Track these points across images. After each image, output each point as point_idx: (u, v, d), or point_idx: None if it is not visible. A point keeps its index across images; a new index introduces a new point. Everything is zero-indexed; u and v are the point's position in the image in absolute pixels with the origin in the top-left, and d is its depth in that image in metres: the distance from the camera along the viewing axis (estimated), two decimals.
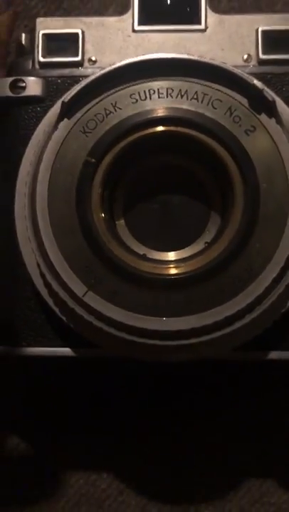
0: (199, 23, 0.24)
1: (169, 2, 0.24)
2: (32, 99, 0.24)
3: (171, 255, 0.22)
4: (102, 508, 0.33)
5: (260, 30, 0.23)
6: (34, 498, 0.33)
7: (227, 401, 0.32)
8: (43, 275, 0.22)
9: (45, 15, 0.35)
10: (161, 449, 0.33)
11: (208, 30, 0.24)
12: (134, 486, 0.33)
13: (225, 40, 0.24)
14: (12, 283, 0.23)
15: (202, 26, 0.24)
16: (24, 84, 0.24)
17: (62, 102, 0.21)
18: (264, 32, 0.23)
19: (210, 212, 0.23)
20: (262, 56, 0.24)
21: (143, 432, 0.33)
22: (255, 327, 0.22)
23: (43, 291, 0.22)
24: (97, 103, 0.21)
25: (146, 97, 0.21)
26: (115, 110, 0.21)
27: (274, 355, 0.23)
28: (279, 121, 0.21)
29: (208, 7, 0.24)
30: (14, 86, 0.24)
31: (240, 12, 0.35)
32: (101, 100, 0.21)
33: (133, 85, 0.21)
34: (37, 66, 0.24)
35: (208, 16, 0.24)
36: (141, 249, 0.22)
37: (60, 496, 0.33)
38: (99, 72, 0.21)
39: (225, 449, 0.32)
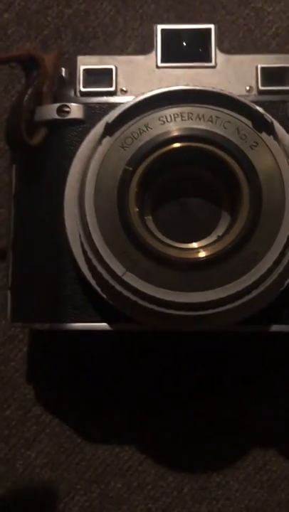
0: (210, 61, 0.30)
1: (185, 44, 0.30)
2: (75, 122, 0.29)
3: (191, 245, 0.28)
4: (125, 476, 0.37)
5: (259, 67, 0.29)
6: (64, 466, 0.38)
7: (236, 378, 0.36)
8: (88, 260, 0.27)
9: (75, 52, 0.41)
10: (176, 424, 0.36)
11: (217, 66, 0.30)
12: (152, 457, 0.37)
13: (231, 74, 0.30)
14: (60, 270, 0.28)
15: (212, 63, 0.30)
16: (68, 109, 0.29)
17: (107, 122, 0.27)
18: (262, 68, 0.29)
19: (221, 212, 0.28)
20: (261, 88, 0.29)
21: (159, 408, 0.36)
22: (260, 302, 0.27)
23: (88, 275, 0.27)
24: (133, 124, 0.27)
25: (171, 120, 0.27)
26: (147, 130, 0.27)
27: (275, 328, 0.28)
28: (276, 138, 0.27)
29: (217, 48, 0.30)
30: (60, 110, 0.29)
31: (240, 50, 0.41)
32: (136, 122, 0.27)
33: (161, 110, 0.27)
34: (78, 94, 0.30)
35: (217, 56, 0.30)
36: (165, 240, 0.27)
37: (88, 466, 0.38)
38: (135, 99, 0.27)
39: (233, 422, 0.36)
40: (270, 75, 0.29)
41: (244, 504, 0.36)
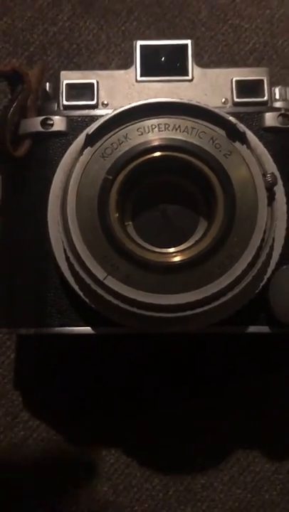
0: (187, 75, 0.32)
1: (163, 59, 0.32)
2: (58, 134, 0.30)
3: (169, 249, 0.29)
4: (111, 480, 0.38)
5: (234, 80, 0.31)
6: (51, 471, 0.38)
7: (218, 379, 0.37)
8: (71, 266, 0.28)
9: (60, 68, 0.43)
10: (161, 427, 0.37)
11: (194, 80, 0.32)
12: (138, 460, 0.38)
13: (207, 87, 0.31)
14: (44, 276, 0.30)
15: (189, 77, 0.31)
16: (52, 122, 0.31)
17: (87, 134, 0.28)
18: (237, 81, 0.31)
19: (198, 218, 0.29)
20: (236, 99, 0.31)
21: (143, 411, 0.37)
22: (235, 303, 0.28)
23: (71, 280, 0.29)
24: (112, 135, 0.28)
25: (149, 131, 0.29)
26: (126, 140, 0.28)
27: (252, 329, 0.29)
28: (249, 147, 0.29)
29: (193, 63, 0.32)
30: (44, 123, 0.31)
31: (218, 65, 0.42)
32: (115, 133, 0.28)
33: (139, 122, 0.28)
34: (61, 108, 0.31)
35: (194, 69, 0.32)
36: (145, 245, 0.29)
37: (75, 470, 0.38)
38: (114, 112, 0.28)
39: (216, 424, 0.38)
40: (244, 88, 0.31)
41: (228, 505, 0.37)
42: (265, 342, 0.33)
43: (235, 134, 0.28)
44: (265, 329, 0.30)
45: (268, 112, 0.30)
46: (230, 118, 0.28)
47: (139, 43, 0.32)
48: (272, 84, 0.30)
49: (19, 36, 0.41)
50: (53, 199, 0.29)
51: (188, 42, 0.31)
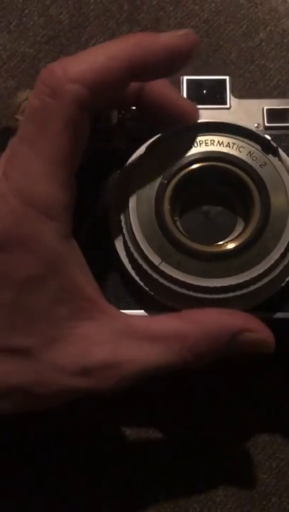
0: (225, 104, 0.38)
1: (205, 91, 0.38)
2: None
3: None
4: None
5: (265, 108, 0.37)
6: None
7: (245, 369, 0.41)
8: (130, 254, 0.34)
9: None
10: (180, 410, 0.41)
11: (231, 108, 0.38)
12: (164, 449, 0.41)
13: (242, 114, 0.38)
14: (104, 266, 0.35)
15: (228, 106, 0.38)
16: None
17: (147, 145, 0.35)
18: (268, 109, 0.37)
19: (237, 218, 0.36)
20: (267, 124, 0.37)
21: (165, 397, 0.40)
22: (270, 289, 0.34)
23: (128, 266, 0.35)
24: (167, 147, 0.35)
25: (198, 145, 0.35)
26: (179, 152, 0.35)
27: (280, 315, 0.35)
28: (280, 159, 0.35)
29: (231, 94, 0.38)
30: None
31: (247, 96, 0.47)
32: (170, 146, 0.35)
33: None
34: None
35: (231, 100, 0.38)
36: (192, 239, 0.35)
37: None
38: (169, 130, 0.35)
39: (243, 413, 0.42)
40: (273, 115, 0.37)
41: (255, 489, 0.41)
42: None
43: (268, 149, 0.35)
44: None
45: None
46: (266, 135, 0.35)
47: (185, 77, 0.38)
48: None
49: None
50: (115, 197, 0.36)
51: (227, 77, 0.38)
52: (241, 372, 0.41)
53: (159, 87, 0.36)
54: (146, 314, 0.35)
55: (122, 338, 0.31)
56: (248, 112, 0.38)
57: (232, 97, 0.38)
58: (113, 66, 0.30)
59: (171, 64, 0.32)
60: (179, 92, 0.38)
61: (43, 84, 0.30)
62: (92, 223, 0.36)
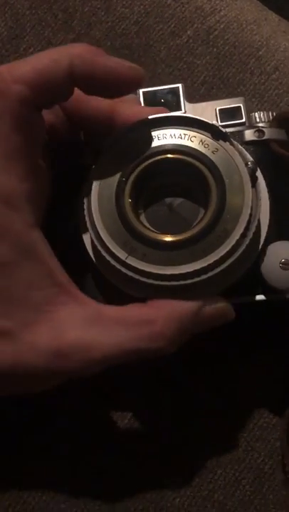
0: (181, 109, 0.43)
1: (161, 101, 0.42)
2: None
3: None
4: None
5: (217, 109, 0.42)
6: None
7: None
8: (98, 251, 0.36)
9: None
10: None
11: (186, 113, 0.42)
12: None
13: (197, 116, 0.41)
14: (76, 262, 0.38)
15: (183, 111, 0.42)
16: None
17: (103, 147, 0.38)
18: (220, 109, 0.42)
19: (199, 208, 0.38)
20: (220, 123, 0.41)
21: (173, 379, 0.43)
22: (234, 272, 0.36)
23: (97, 263, 0.37)
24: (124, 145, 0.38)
25: (152, 140, 0.38)
26: (134, 149, 0.38)
27: (246, 299, 0.38)
28: (231, 144, 0.38)
29: (185, 100, 0.43)
30: None
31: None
32: (127, 143, 0.38)
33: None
34: None
35: (185, 105, 0.43)
36: (156, 231, 0.37)
37: None
38: (124, 129, 0.38)
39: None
40: (225, 114, 0.42)
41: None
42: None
43: (218, 135, 0.38)
44: (261, 297, 0.38)
45: (246, 129, 0.41)
46: (214, 122, 0.38)
47: (141, 90, 0.42)
48: (249, 110, 0.42)
49: None
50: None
51: (180, 85, 0.43)
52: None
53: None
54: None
55: (93, 324, 0.34)
56: (202, 114, 0.42)
57: (186, 102, 0.43)
58: (55, 68, 0.34)
59: (111, 84, 0.35)
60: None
61: None
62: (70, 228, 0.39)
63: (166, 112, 0.40)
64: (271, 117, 0.42)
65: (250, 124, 0.42)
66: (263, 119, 0.42)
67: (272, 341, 0.43)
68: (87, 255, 0.38)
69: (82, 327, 0.34)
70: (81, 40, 0.51)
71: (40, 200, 0.36)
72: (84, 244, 0.38)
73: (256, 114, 0.42)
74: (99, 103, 0.38)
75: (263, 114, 0.42)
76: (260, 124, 0.41)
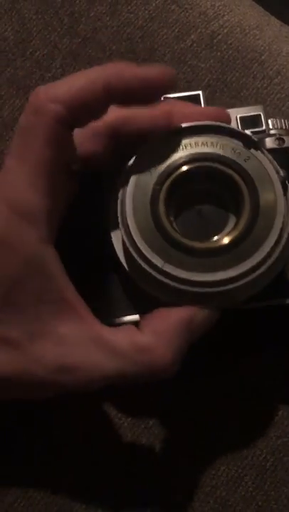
0: None
1: None
2: None
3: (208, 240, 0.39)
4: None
5: (238, 117, 0.42)
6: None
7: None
8: (132, 258, 0.36)
9: None
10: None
11: None
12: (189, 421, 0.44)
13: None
14: (104, 271, 0.39)
15: None
16: None
17: (136, 155, 0.38)
18: (241, 117, 0.42)
19: (228, 214, 0.38)
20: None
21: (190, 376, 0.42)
22: (267, 277, 0.37)
23: (130, 271, 0.37)
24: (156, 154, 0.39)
25: (184, 148, 0.38)
26: (167, 157, 0.38)
27: (276, 301, 0.39)
28: (263, 152, 0.39)
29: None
30: None
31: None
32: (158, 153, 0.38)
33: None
34: None
35: None
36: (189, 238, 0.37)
37: None
38: (155, 137, 0.38)
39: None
40: (246, 121, 0.42)
41: None
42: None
43: (250, 144, 0.38)
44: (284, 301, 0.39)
45: (267, 137, 0.41)
46: (246, 131, 0.39)
47: (162, 97, 0.40)
48: (267, 116, 0.42)
49: (20, 82, 0.51)
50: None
51: (200, 92, 0.43)
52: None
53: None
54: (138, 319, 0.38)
55: (95, 344, 0.35)
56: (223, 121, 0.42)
57: None
58: (91, 88, 0.35)
59: (147, 92, 0.36)
60: None
61: (29, 104, 0.35)
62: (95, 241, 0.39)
63: (225, 113, 0.40)
64: (284, 124, 0.43)
65: (268, 132, 0.42)
66: (276, 126, 0.42)
67: (276, 340, 0.44)
68: (119, 263, 0.38)
69: (86, 347, 0.35)
70: (86, 44, 0.53)
71: (56, 217, 0.36)
72: (115, 252, 0.38)
73: (269, 121, 0.42)
74: (152, 112, 0.38)
75: (277, 121, 0.42)
76: (274, 131, 0.42)
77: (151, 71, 0.36)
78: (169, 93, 0.38)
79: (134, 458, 0.44)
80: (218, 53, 0.51)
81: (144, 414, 0.44)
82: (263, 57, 0.52)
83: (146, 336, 0.36)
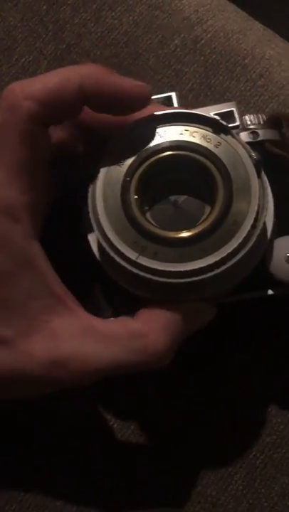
0: None
1: None
2: None
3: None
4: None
5: (212, 114, 0.42)
6: None
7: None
8: (105, 253, 0.36)
9: None
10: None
11: None
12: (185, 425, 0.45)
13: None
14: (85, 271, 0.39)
15: None
16: None
17: (106, 147, 0.38)
18: (215, 114, 0.41)
19: (204, 205, 0.38)
20: None
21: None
22: (245, 266, 0.36)
23: (105, 266, 0.37)
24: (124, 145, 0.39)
25: (153, 137, 0.38)
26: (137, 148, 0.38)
27: (258, 293, 0.38)
28: (233, 136, 0.39)
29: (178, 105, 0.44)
30: None
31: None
32: (127, 143, 0.38)
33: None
34: None
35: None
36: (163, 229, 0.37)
37: None
38: (125, 128, 0.38)
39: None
40: (221, 118, 0.41)
41: None
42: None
43: (220, 129, 0.38)
44: (270, 292, 0.39)
45: (241, 131, 0.42)
46: (214, 116, 0.38)
47: None
48: (241, 113, 0.43)
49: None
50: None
51: (173, 93, 0.44)
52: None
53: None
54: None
55: (87, 336, 0.35)
56: None
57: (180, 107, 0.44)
58: (65, 86, 0.35)
59: (119, 102, 0.37)
60: None
61: (4, 101, 0.35)
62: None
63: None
64: (261, 119, 0.44)
65: (244, 127, 0.43)
66: (254, 122, 0.43)
67: (269, 335, 0.44)
68: (94, 259, 0.38)
69: (78, 339, 0.35)
70: (71, 50, 0.54)
71: (40, 213, 0.37)
72: (91, 249, 0.38)
73: (247, 116, 0.43)
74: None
75: (254, 117, 0.43)
76: (252, 126, 0.42)
77: (125, 81, 0.36)
78: (141, 108, 0.37)
79: (125, 458, 0.44)
80: (202, 57, 0.52)
81: (133, 416, 0.44)
82: (246, 61, 0.53)
83: (139, 323, 0.36)
